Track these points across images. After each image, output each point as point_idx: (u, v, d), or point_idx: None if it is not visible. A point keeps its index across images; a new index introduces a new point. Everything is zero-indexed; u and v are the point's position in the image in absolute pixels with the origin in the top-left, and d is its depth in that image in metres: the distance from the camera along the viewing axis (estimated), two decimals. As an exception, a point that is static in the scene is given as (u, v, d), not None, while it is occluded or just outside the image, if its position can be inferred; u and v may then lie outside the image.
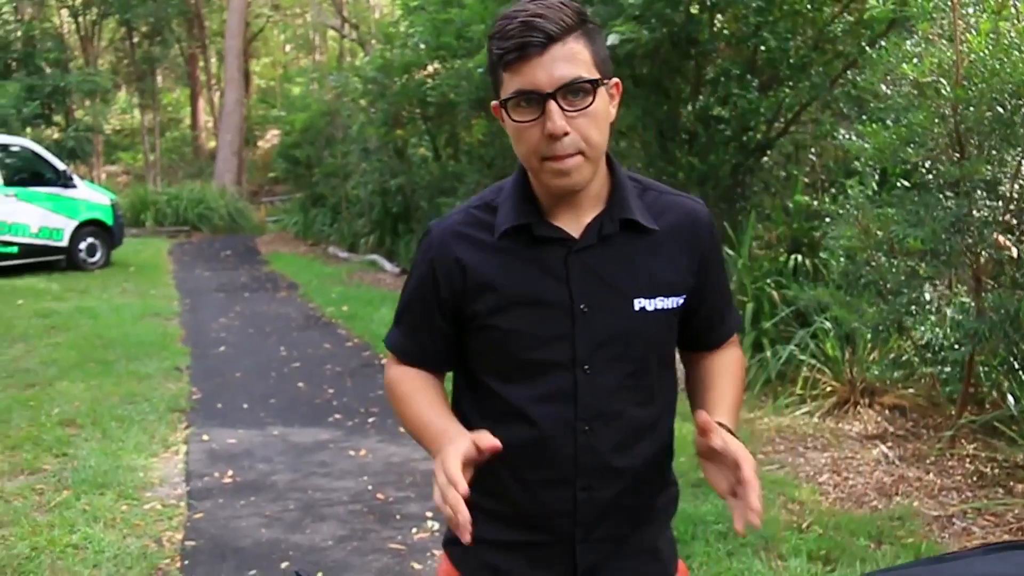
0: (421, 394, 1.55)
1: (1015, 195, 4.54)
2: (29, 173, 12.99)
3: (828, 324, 5.84)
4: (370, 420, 6.00)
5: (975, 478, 4.55)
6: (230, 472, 5.02)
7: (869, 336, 5.64)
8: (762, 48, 7.29)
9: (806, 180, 7.86)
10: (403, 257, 14.00)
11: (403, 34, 12.95)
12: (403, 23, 13.57)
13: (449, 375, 1.65)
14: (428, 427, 1.48)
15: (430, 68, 12.69)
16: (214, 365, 7.63)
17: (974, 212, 4.47)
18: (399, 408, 1.58)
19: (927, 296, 5.07)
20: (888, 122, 4.81)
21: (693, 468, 4.65)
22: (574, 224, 1.47)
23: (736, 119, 7.51)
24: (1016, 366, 5.00)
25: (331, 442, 5.55)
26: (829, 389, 5.73)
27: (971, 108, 4.29)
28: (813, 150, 8.02)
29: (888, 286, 4.89)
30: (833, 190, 7.12)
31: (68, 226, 13.32)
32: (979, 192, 4.57)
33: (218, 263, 15.28)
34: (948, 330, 4.95)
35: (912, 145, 4.53)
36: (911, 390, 5.65)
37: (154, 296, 11.38)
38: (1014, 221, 4.62)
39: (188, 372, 7.33)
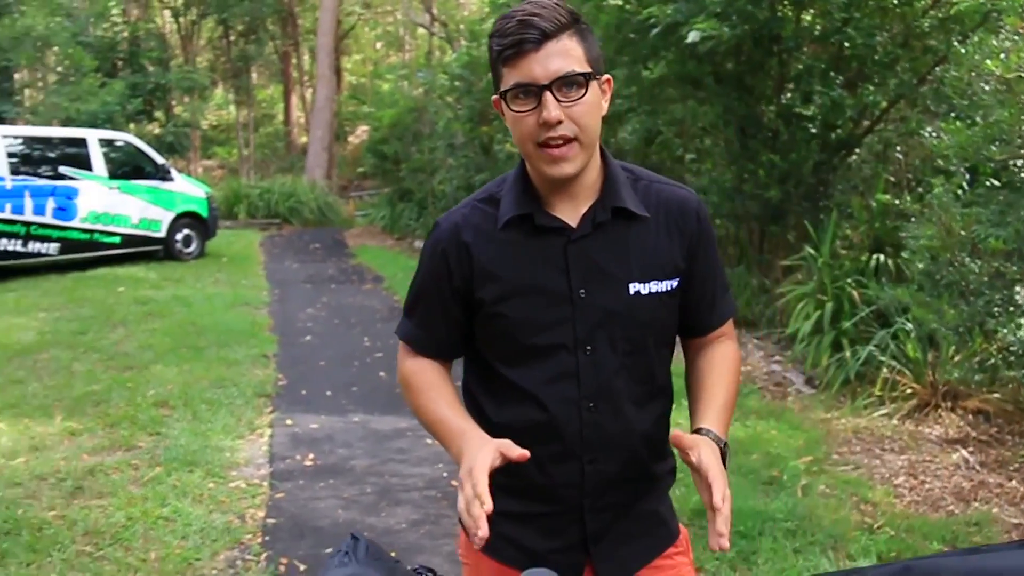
0: (436, 390, 1.63)
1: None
2: (131, 167, 13.52)
3: (909, 325, 5.74)
4: (447, 410, 6.12)
5: (1059, 485, 4.44)
6: (311, 455, 5.21)
7: (953, 338, 5.53)
8: (846, 44, 7.17)
9: (892, 179, 7.70)
10: (486, 252, 14.13)
11: (489, 31, 13.08)
12: (490, 21, 13.72)
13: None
14: (445, 424, 1.57)
15: (516, 65, 12.80)
16: (300, 353, 7.88)
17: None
18: (415, 401, 1.67)
19: (1018, 298, 4.94)
20: (977, 119, 4.73)
21: (764, 466, 4.68)
22: (571, 214, 1.57)
23: (820, 116, 7.41)
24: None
25: (409, 430, 5.69)
26: (909, 391, 5.63)
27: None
28: (899, 148, 7.85)
29: (970, 287, 4.79)
30: (920, 189, 6.97)
31: (166, 218, 13.85)
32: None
33: (307, 255, 15.68)
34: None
35: (997, 143, 4.44)
36: (996, 395, 5.51)
37: (245, 286, 11.75)
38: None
39: (275, 359, 7.59)
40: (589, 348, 1.56)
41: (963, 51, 5.22)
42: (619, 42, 8.39)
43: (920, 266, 5.04)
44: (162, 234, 13.83)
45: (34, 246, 12.05)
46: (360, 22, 35.66)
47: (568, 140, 1.47)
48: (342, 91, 31.96)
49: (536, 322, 1.56)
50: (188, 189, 14.41)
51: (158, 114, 25.52)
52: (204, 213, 14.47)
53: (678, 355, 1.75)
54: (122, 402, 6.13)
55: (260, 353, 7.73)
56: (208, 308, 9.80)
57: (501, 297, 1.57)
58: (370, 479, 4.84)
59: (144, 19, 28.37)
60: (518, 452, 1.42)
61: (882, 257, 6.68)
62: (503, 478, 1.45)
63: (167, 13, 31.02)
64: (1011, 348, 4.93)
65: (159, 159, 14.08)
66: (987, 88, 4.62)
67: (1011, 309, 4.89)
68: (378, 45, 39.32)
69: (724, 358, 1.70)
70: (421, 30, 29.92)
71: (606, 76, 1.55)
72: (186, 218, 14.19)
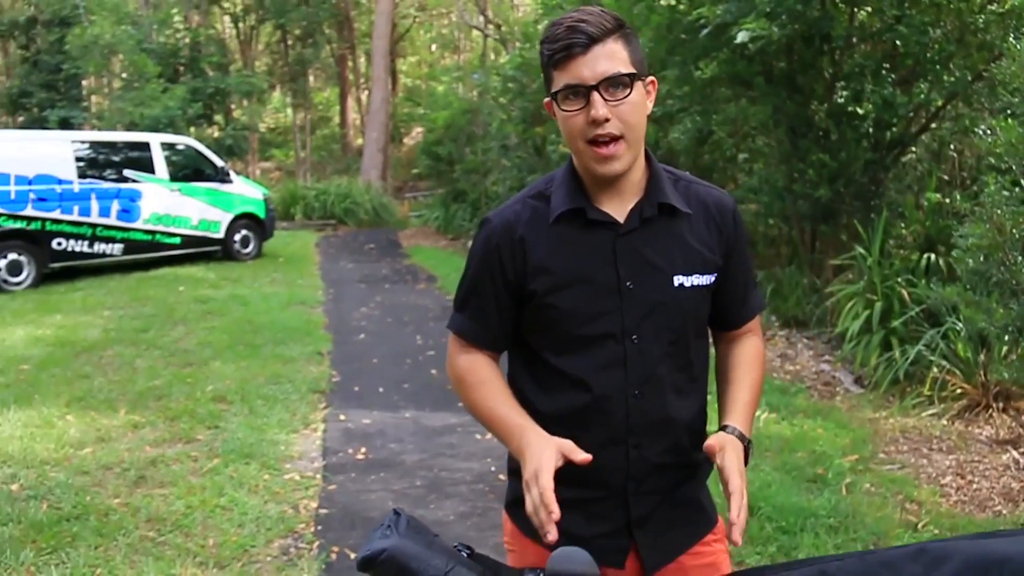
0: (490, 385, 1.71)
1: None
2: (192, 170, 13.88)
3: (960, 324, 5.69)
4: (496, 407, 6.22)
5: (1110, 486, 4.39)
6: (363, 449, 5.35)
7: (1006, 338, 5.47)
8: (899, 42, 7.11)
9: (946, 177, 7.62)
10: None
11: (543, 33, 13.15)
12: (543, 22, 13.80)
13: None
14: (505, 421, 1.64)
15: (568, 66, 12.87)
16: (353, 351, 8.05)
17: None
18: (469, 396, 1.74)
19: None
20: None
21: (809, 463, 4.70)
22: (618, 210, 1.65)
23: (872, 115, 7.36)
24: None
25: (459, 426, 5.81)
26: (959, 391, 5.59)
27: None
28: (953, 146, 7.76)
29: (1021, 286, 4.74)
30: (975, 187, 6.89)
31: (224, 219, 14.19)
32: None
33: (362, 255, 15.91)
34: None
35: (1049, 141, 4.40)
36: (1050, 396, 5.46)
37: (300, 286, 11.99)
38: None
39: (329, 357, 7.77)
40: (636, 337, 1.63)
41: (1018, 47, 5.16)
42: (671, 42, 8.42)
43: (970, 264, 5.00)
44: (221, 235, 14.17)
45: (99, 247, 12.45)
46: (415, 25, 36.01)
47: (615, 138, 1.55)
48: (397, 93, 32.31)
49: (586, 312, 1.63)
50: (246, 191, 14.74)
51: (217, 118, 26.07)
52: (262, 214, 14.78)
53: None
54: (182, 397, 6.34)
55: (315, 351, 7.91)
56: (265, 307, 10.03)
57: (552, 288, 1.64)
58: (420, 473, 4.96)
59: (205, 25, 29.00)
60: (581, 456, 1.50)
61: (933, 256, 6.62)
62: None
63: (227, 19, 31.70)
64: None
65: (218, 162, 14.42)
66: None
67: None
68: (433, 47, 39.66)
69: (751, 355, 1.80)
70: (475, 32, 30.12)
71: (650, 78, 1.64)
72: (244, 219, 14.52)
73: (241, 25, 31.36)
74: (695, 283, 1.66)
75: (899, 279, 6.50)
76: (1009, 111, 5.31)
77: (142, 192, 12.90)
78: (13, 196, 11.39)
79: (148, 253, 13.16)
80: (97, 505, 4.39)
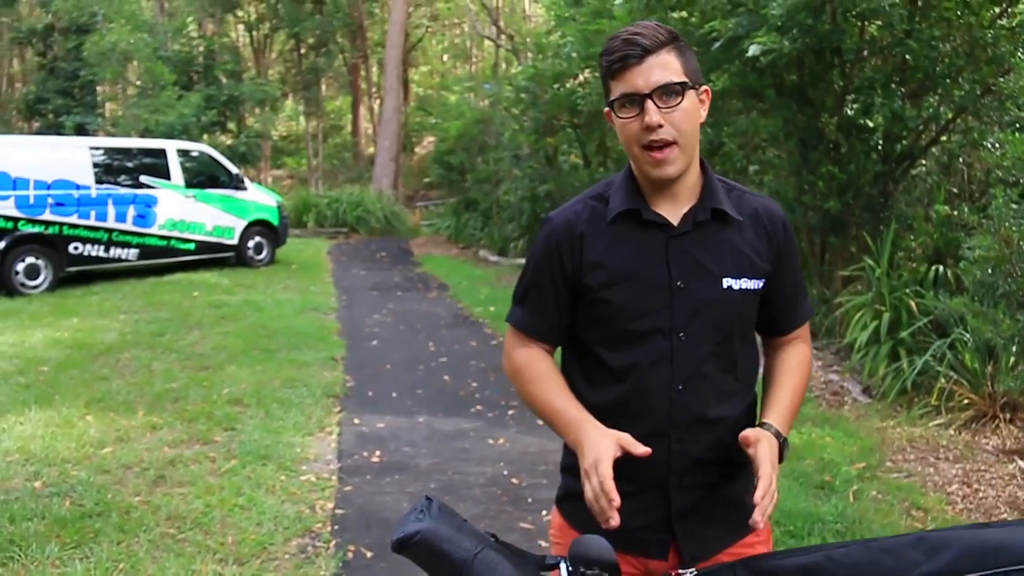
0: (547, 378, 1.80)
1: None
2: (206, 176, 14.03)
3: (967, 335, 5.76)
4: (510, 412, 6.32)
5: (1114, 495, 4.45)
6: (378, 453, 5.44)
7: (1013, 349, 5.54)
8: (908, 56, 7.20)
9: (954, 190, 7.69)
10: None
11: (555, 44, 13.29)
12: (555, 34, 13.94)
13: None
14: (562, 414, 1.72)
15: (581, 77, 13.00)
16: (367, 357, 8.15)
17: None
18: (527, 389, 1.83)
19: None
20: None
21: (817, 471, 4.77)
22: (672, 213, 1.74)
23: (881, 128, 7.44)
24: None
25: (472, 431, 5.90)
26: (966, 402, 5.66)
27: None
28: (962, 159, 7.83)
29: (1027, 298, 4.82)
30: (983, 200, 6.96)
31: (238, 225, 14.32)
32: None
33: (374, 263, 16.03)
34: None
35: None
36: (1056, 407, 5.51)
37: (313, 292, 12.11)
38: None
39: (343, 362, 7.87)
40: (683, 335, 1.71)
41: (1021, 62, 5.25)
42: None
43: (977, 276, 5.08)
44: (234, 241, 14.30)
45: (115, 252, 12.59)
46: (427, 34, 36.22)
47: (668, 143, 1.65)
48: (409, 103, 32.49)
49: (636, 308, 1.72)
50: (260, 198, 14.87)
51: (231, 125, 26.28)
52: (275, 221, 14.91)
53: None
54: (199, 399, 6.45)
55: (329, 356, 8.02)
56: (278, 313, 10.15)
57: (606, 284, 1.73)
58: (434, 476, 5.05)
59: (219, 33, 29.25)
60: (640, 449, 1.59)
61: (941, 268, 6.69)
62: None
63: (240, 27, 31.94)
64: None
65: (233, 169, 14.56)
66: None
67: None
68: (445, 57, 39.86)
69: (796, 361, 1.87)
70: (487, 42, 30.28)
71: (704, 87, 1.73)
72: (258, 226, 14.65)
73: (255, 33, 31.59)
74: (743, 287, 1.74)
75: (907, 290, 6.58)
76: (1017, 125, 5.42)
77: (158, 198, 13.04)
78: (32, 201, 11.54)
79: (163, 258, 13.30)
80: (118, 503, 4.49)
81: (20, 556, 3.86)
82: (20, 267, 11.51)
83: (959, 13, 7.12)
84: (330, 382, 7.09)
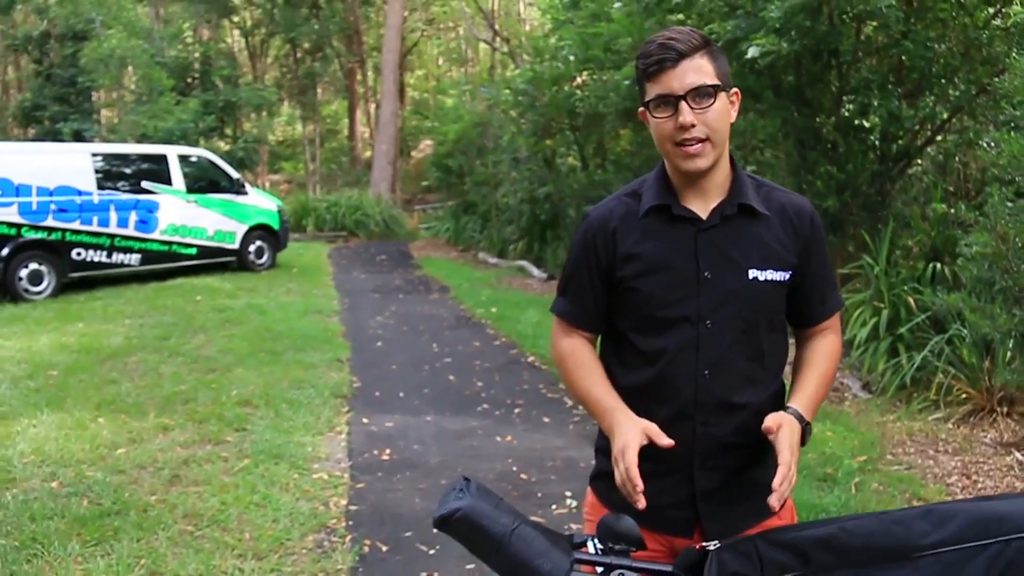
0: (588, 368, 1.92)
1: None
2: (207, 181, 14.11)
3: (965, 331, 5.87)
4: (516, 411, 6.42)
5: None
6: (388, 451, 5.53)
7: (1010, 344, 5.64)
8: (904, 57, 7.31)
9: (951, 188, 7.80)
10: (550, 263, 14.44)
11: (553, 47, 13.39)
12: (553, 37, 14.04)
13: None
14: (599, 402, 1.85)
15: (579, 80, 13.11)
16: (372, 358, 8.24)
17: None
18: (569, 376, 1.96)
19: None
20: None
21: (819, 464, 4.87)
22: (702, 207, 1.85)
23: (878, 128, 7.55)
24: None
25: (479, 429, 5.99)
26: (964, 396, 5.76)
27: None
28: (958, 158, 7.94)
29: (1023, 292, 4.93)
30: (979, 198, 7.06)
31: (240, 230, 14.41)
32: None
33: (374, 266, 16.12)
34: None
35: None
36: (1053, 400, 5.61)
37: (316, 295, 12.19)
38: None
39: (349, 364, 7.95)
40: (709, 322, 1.82)
41: (1020, 61, 5.35)
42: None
43: (974, 272, 5.18)
44: (236, 246, 14.39)
45: (118, 257, 12.67)
46: (423, 38, 36.32)
47: (701, 140, 1.76)
48: (405, 106, 32.58)
49: (666, 297, 1.83)
50: (261, 202, 14.96)
51: (228, 130, 26.33)
52: (276, 225, 15.00)
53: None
54: (208, 401, 6.53)
55: (334, 358, 8.10)
56: (282, 316, 10.23)
57: (639, 274, 1.85)
58: (444, 472, 5.13)
59: (215, 39, 29.32)
60: (665, 440, 1.70)
61: (939, 265, 6.80)
62: None
63: (236, 33, 32.02)
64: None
65: (234, 174, 14.65)
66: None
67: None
68: (440, 61, 39.97)
69: (825, 351, 1.96)
70: (483, 46, 30.39)
71: (734, 89, 1.84)
72: (259, 230, 14.75)
73: (251, 39, 31.68)
74: (769, 278, 1.84)
75: (905, 287, 6.68)
76: (1012, 124, 5.50)
77: (159, 203, 13.13)
78: (35, 207, 11.62)
79: (165, 263, 13.40)
80: (135, 501, 4.58)
81: (43, 553, 3.95)
82: (24, 273, 11.59)
83: (954, 14, 7.23)
84: (337, 383, 7.17)
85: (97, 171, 12.41)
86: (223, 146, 24.59)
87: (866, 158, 7.66)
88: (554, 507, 4.57)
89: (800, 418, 1.77)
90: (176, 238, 13.45)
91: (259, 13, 30.69)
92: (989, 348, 5.83)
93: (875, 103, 7.35)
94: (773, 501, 1.63)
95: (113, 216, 12.50)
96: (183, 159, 13.86)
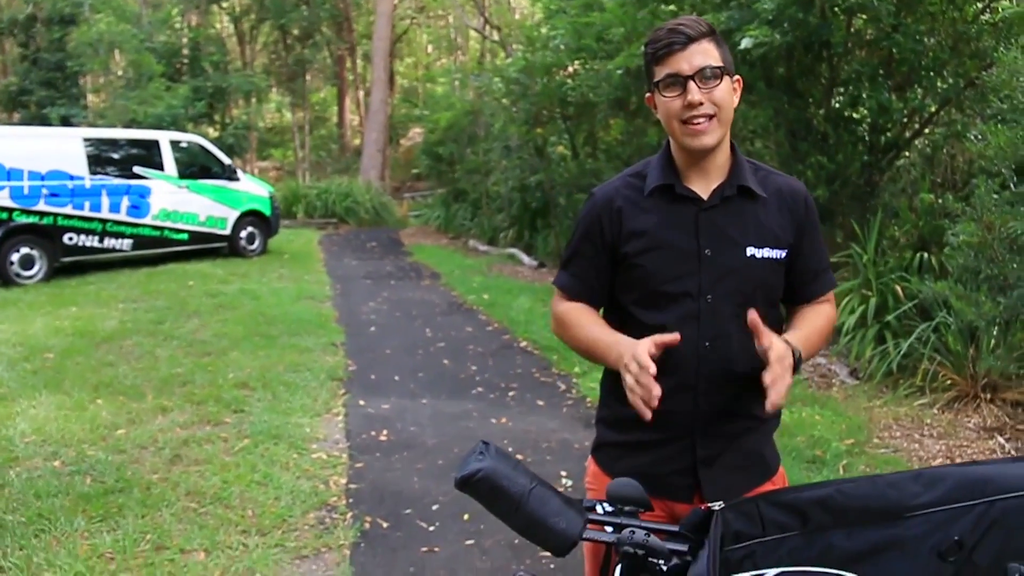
0: (587, 316, 2.01)
1: None
2: (199, 167, 14.14)
3: (951, 319, 5.99)
4: (510, 394, 6.52)
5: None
6: (385, 432, 5.62)
7: (995, 331, 5.77)
8: (895, 50, 7.42)
9: (938, 179, 7.93)
10: (541, 251, 14.52)
11: (545, 36, 13.44)
12: (545, 26, 14.08)
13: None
14: (600, 340, 1.93)
15: (570, 69, 13.17)
16: (366, 343, 8.32)
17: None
18: (569, 332, 2.03)
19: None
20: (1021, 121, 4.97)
21: (808, 447, 4.99)
22: (703, 188, 1.95)
23: (868, 120, 7.66)
24: None
25: (475, 411, 6.08)
26: (949, 382, 5.89)
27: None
28: (945, 150, 8.07)
29: (1008, 281, 5.05)
30: (966, 189, 7.19)
31: (231, 216, 14.45)
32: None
33: (364, 253, 16.17)
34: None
35: (1035, 145, 4.70)
36: (1035, 386, 5.75)
37: (308, 281, 12.25)
38: None
39: (343, 348, 8.03)
40: (710, 297, 1.91)
41: (1008, 55, 5.46)
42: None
43: (961, 261, 5.30)
44: (227, 231, 14.44)
45: (110, 242, 12.70)
46: (413, 26, 36.24)
47: (708, 117, 1.85)
48: (395, 94, 32.54)
49: (668, 273, 1.92)
50: (252, 188, 14.99)
51: (217, 116, 26.26)
52: (267, 212, 15.04)
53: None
54: (205, 383, 6.61)
55: (329, 342, 8.18)
56: (275, 301, 10.29)
57: (642, 251, 1.94)
58: (440, 452, 5.23)
59: (204, 25, 29.19)
60: (670, 337, 1.77)
61: (926, 255, 6.92)
62: (627, 410, 1.77)
63: (226, 18, 31.89)
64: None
65: (226, 160, 14.68)
66: (1025, 92, 4.87)
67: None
68: (430, 49, 39.89)
69: (819, 312, 2.05)
70: (473, 34, 30.38)
71: (737, 76, 1.94)
72: (250, 216, 14.80)
73: (240, 25, 31.57)
74: (766, 255, 1.93)
75: (893, 276, 6.81)
76: (999, 117, 5.62)
77: (151, 188, 13.15)
78: (26, 191, 11.63)
79: (156, 248, 13.43)
80: (138, 480, 4.66)
81: (51, 528, 4.03)
82: (15, 257, 11.61)
83: (944, 8, 7.34)
84: (333, 366, 7.25)
85: (89, 156, 12.41)
86: (212, 132, 24.55)
87: (856, 149, 7.78)
88: (550, 487, 4.66)
89: (794, 348, 1.81)
90: (168, 223, 13.48)
91: (248, -1, 30.63)
92: (974, 336, 5.96)
93: (865, 95, 7.45)
94: (768, 405, 1.70)
95: (105, 201, 12.52)
96: (175, 145, 13.87)
